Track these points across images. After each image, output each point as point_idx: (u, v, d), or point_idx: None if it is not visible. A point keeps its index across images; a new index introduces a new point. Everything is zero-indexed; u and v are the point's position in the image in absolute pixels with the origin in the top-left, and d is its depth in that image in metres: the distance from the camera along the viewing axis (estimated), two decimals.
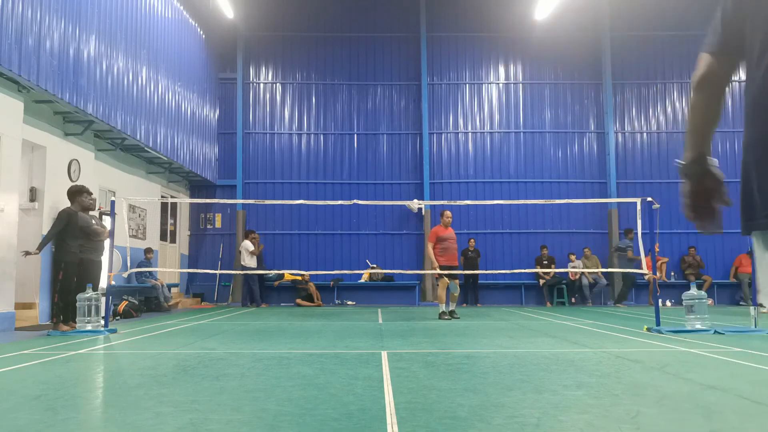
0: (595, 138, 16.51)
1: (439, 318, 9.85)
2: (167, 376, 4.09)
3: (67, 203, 8.15)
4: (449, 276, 9.82)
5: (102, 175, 11.32)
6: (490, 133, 16.55)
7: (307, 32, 16.78)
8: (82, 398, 3.46)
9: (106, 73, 10.09)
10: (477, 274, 14.93)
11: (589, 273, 15.23)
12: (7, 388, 3.72)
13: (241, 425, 2.74)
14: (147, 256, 12.53)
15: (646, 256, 8.29)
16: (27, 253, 7.69)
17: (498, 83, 16.74)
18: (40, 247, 7.85)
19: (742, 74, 1.54)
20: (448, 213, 10.09)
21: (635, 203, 8.58)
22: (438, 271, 9.77)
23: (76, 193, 8.10)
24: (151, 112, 11.94)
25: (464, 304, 15.22)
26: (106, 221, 8.85)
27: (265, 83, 16.71)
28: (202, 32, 15.27)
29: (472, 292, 15.46)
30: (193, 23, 14.70)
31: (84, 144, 10.37)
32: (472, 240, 15.33)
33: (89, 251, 8.10)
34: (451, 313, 10.04)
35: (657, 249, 14.43)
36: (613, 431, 2.62)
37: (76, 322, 7.63)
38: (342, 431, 2.65)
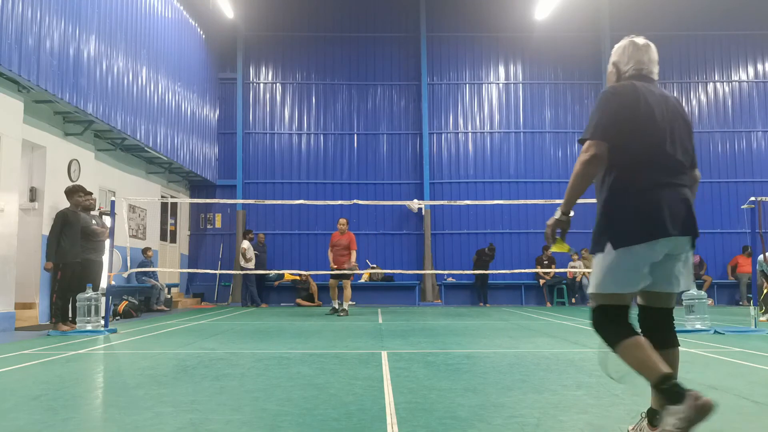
0: None
1: (329, 313, 10.96)
2: (167, 376, 4.09)
3: (67, 204, 8.18)
4: (337, 277, 10.95)
5: (102, 175, 11.31)
6: (490, 133, 16.55)
7: (307, 32, 16.78)
8: (82, 398, 3.46)
9: (106, 73, 10.08)
10: (486, 275, 14.85)
11: (589, 273, 15.21)
12: (7, 388, 3.72)
13: (241, 425, 2.74)
14: (146, 255, 12.53)
15: None
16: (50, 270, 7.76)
17: (498, 83, 16.74)
18: (49, 255, 7.71)
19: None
20: (342, 220, 11.29)
21: None
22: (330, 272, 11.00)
23: (70, 192, 8.12)
24: (151, 112, 11.93)
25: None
26: (107, 221, 8.85)
27: (265, 83, 16.71)
28: (202, 32, 15.27)
29: (481, 292, 15.36)
30: (193, 23, 14.69)
31: (84, 144, 10.37)
32: (492, 244, 15.16)
33: (89, 251, 8.11)
34: (341, 310, 10.80)
35: None
36: (613, 431, 2.63)
37: (75, 322, 7.64)
38: (342, 431, 2.65)
